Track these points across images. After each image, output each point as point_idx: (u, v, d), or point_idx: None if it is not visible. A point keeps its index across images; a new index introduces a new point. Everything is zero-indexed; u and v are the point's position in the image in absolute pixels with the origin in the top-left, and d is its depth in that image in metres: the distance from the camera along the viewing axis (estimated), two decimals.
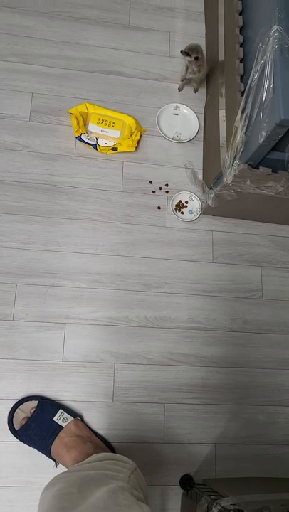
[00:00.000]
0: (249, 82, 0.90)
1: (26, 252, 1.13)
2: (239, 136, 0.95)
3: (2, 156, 1.19)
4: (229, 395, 1.13)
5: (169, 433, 1.08)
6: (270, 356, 1.17)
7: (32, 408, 1.01)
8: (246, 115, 0.93)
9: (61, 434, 0.97)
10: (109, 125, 1.24)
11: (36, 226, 1.15)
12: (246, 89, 0.92)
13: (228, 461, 1.09)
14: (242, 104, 0.94)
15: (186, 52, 1.18)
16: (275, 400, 1.14)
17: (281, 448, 1.12)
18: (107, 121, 1.24)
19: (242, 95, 0.95)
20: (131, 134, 1.23)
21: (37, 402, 1.02)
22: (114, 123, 1.24)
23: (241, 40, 1.04)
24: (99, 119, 1.24)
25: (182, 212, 1.22)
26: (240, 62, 1.03)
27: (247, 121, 0.93)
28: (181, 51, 1.18)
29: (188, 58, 1.19)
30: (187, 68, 1.24)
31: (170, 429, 1.08)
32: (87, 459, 0.82)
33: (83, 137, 1.21)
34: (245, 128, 0.94)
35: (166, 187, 1.24)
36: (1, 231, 1.13)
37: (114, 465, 0.77)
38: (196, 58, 1.18)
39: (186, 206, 1.23)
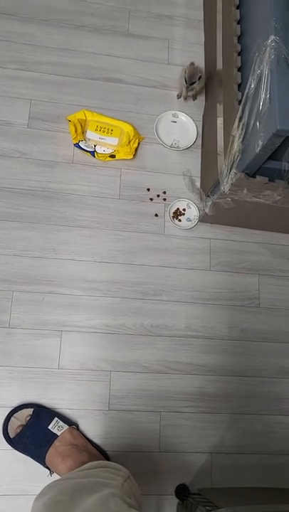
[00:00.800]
0: (246, 91, 0.91)
1: (23, 259, 1.13)
2: (236, 145, 0.95)
3: (0, 163, 1.19)
4: (226, 403, 1.12)
5: (164, 442, 1.07)
6: (267, 365, 1.16)
7: (27, 416, 1.01)
8: (243, 124, 0.93)
9: (56, 442, 0.97)
10: (107, 132, 1.24)
11: (34, 233, 1.15)
12: (243, 99, 0.92)
13: (224, 470, 1.08)
14: (239, 113, 0.94)
15: (191, 83, 1.23)
16: (273, 409, 1.14)
17: (279, 458, 1.11)
18: (105, 128, 1.24)
19: (239, 104, 0.95)
20: (129, 142, 1.23)
21: (32, 410, 1.02)
22: (112, 130, 1.24)
23: (239, 48, 1.04)
24: (97, 127, 1.24)
25: (180, 220, 1.22)
26: (238, 70, 1.03)
27: (244, 130, 0.93)
28: (185, 81, 1.22)
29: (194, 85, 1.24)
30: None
31: (166, 437, 1.07)
32: (81, 467, 0.81)
33: (81, 144, 1.22)
34: (242, 137, 0.94)
35: (163, 194, 1.24)
36: None
37: (108, 472, 0.77)
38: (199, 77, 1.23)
39: (183, 214, 1.23)
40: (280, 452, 1.11)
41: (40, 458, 0.97)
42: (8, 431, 1.00)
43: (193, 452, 1.08)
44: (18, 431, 0.99)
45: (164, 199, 1.24)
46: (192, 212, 1.23)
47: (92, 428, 1.05)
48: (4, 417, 1.01)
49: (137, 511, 0.63)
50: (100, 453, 1.01)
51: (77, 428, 1.03)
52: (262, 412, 1.13)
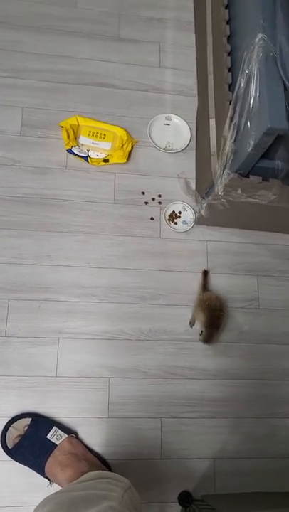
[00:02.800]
0: (236, 91, 0.90)
1: (18, 267, 1.12)
2: (228, 145, 0.94)
3: None
4: (228, 408, 1.10)
5: (166, 448, 1.05)
6: (269, 367, 1.15)
7: (25, 426, 1.00)
8: (235, 124, 0.92)
9: (55, 452, 0.95)
10: (100, 137, 1.23)
11: (28, 240, 1.14)
12: (233, 98, 0.91)
13: (228, 476, 1.06)
14: (230, 113, 0.93)
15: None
16: (275, 412, 1.12)
17: (283, 461, 1.09)
18: (97, 133, 1.23)
19: (230, 104, 0.94)
20: (122, 146, 1.22)
21: (30, 419, 1.00)
22: (105, 135, 1.23)
23: (229, 49, 1.04)
24: (90, 132, 1.23)
25: (176, 223, 1.21)
26: (229, 71, 1.02)
27: (235, 130, 0.92)
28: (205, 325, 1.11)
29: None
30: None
31: (167, 444, 1.06)
32: (80, 478, 0.80)
33: (74, 150, 1.21)
34: (234, 137, 0.93)
35: (159, 197, 1.23)
36: None
37: (107, 484, 0.75)
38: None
39: (179, 217, 1.22)
40: (284, 456, 1.09)
41: (39, 468, 0.96)
42: (7, 441, 0.99)
43: (195, 458, 1.06)
44: (17, 441, 0.98)
45: (160, 202, 1.23)
46: (188, 215, 1.22)
47: (92, 436, 1.04)
48: (2, 428, 1.00)
49: None
50: (100, 461, 1.00)
51: (77, 437, 1.02)
52: (264, 415, 1.11)
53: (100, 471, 0.85)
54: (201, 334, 1.11)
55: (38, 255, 1.13)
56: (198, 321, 1.13)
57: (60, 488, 0.90)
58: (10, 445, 0.98)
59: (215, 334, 1.10)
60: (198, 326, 1.13)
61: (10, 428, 1.00)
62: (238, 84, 0.89)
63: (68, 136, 1.20)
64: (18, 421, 1.00)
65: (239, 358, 1.14)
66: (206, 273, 1.17)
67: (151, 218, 1.21)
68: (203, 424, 1.08)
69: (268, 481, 1.07)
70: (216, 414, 1.09)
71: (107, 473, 0.85)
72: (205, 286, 1.15)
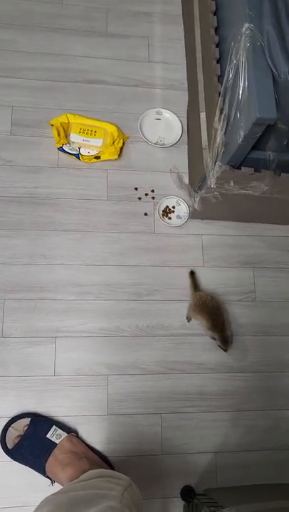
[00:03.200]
0: (224, 82, 0.89)
1: (13, 267, 1.11)
2: (219, 138, 0.93)
3: None
4: (227, 401, 1.10)
5: (167, 444, 1.05)
6: (268, 359, 1.14)
7: (25, 426, 0.99)
8: (224, 116, 0.92)
9: (55, 451, 0.95)
10: (91, 134, 1.22)
11: (22, 240, 1.14)
12: (222, 90, 0.90)
13: (230, 469, 1.06)
14: (220, 105, 0.93)
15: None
16: (275, 404, 1.12)
17: (285, 453, 1.08)
18: (88, 130, 1.23)
19: (220, 96, 0.94)
20: (113, 142, 1.21)
21: (30, 419, 1.00)
22: (96, 132, 1.23)
23: (217, 40, 1.03)
24: (80, 129, 1.23)
25: (170, 218, 1.21)
26: (217, 62, 1.01)
27: (226, 121, 0.92)
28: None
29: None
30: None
31: (168, 439, 1.05)
32: (79, 478, 0.79)
33: (65, 148, 1.20)
34: (224, 129, 0.93)
35: (152, 193, 1.22)
36: None
37: (107, 482, 0.75)
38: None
39: (173, 211, 1.21)
40: (285, 448, 1.09)
41: (40, 468, 0.95)
42: (6, 442, 0.98)
43: (196, 453, 1.06)
44: (16, 441, 0.98)
45: (153, 197, 1.22)
46: (182, 209, 1.22)
47: (92, 434, 1.03)
48: (1, 428, 0.99)
49: None
50: (101, 459, 1.00)
51: (77, 435, 1.02)
52: (265, 407, 1.11)
53: (101, 470, 0.84)
54: (216, 341, 1.10)
55: (33, 254, 1.13)
56: (202, 327, 1.11)
57: (62, 487, 0.90)
58: (10, 445, 0.98)
59: (227, 332, 1.09)
60: (202, 330, 1.13)
61: (9, 428, 0.99)
62: (226, 76, 0.88)
63: (59, 134, 1.19)
64: (17, 421, 1.00)
65: (238, 350, 1.14)
66: (192, 274, 1.16)
67: (145, 214, 1.20)
68: (203, 419, 1.08)
69: (270, 473, 1.07)
70: (216, 407, 1.09)
71: (106, 471, 0.84)
72: (195, 286, 1.14)
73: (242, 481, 1.05)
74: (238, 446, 1.07)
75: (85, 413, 1.04)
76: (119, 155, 1.23)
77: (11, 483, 0.98)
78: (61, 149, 1.20)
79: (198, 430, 1.07)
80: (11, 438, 0.99)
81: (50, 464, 0.94)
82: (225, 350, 1.10)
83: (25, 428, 0.99)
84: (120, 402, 1.06)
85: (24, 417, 1.01)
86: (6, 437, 0.99)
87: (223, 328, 1.09)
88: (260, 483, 1.05)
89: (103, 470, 0.85)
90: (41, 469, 0.95)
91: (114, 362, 1.09)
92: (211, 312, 1.09)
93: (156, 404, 1.07)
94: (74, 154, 1.20)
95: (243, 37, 0.82)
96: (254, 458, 1.07)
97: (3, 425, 1.00)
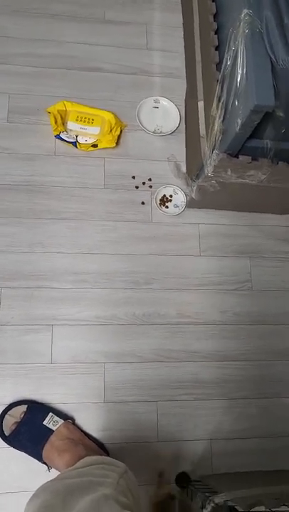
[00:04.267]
0: (223, 69, 0.88)
1: (10, 255, 1.11)
2: (217, 125, 0.93)
3: None
4: (222, 389, 1.11)
5: (162, 431, 1.06)
6: (262, 348, 1.15)
7: (21, 413, 1.00)
8: (222, 103, 0.91)
9: (52, 437, 0.96)
10: (88, 122, 1.22)
11: (19, 228, 1.13)
12: (220, 77, 0.90)
13: (225, 456, 1.07)
14: (218, 92, 0.92)
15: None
16: (268, 392, 1.12)
17: (279, 440, 1.10)
18: (86, 118, 1.22)
19: (218, 83, 0.93)
20: (111, 130, 1.21)
21: (26, 406, 1.00)
22: (93, 120, 1.22)
23: (215, 27, 1.02)
24: (78, 117, 1.22)
25: (167, 207, 1.20)
26: (216, 49, 1.00)
27: (223, 109, 0.91)
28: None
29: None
30: None
31: (164, 427, 1.06)
32: (75, 465, 0.80)
33: (62, 135, 1.19)
34: (222, 117, 0.92)
35: (149, 181, 1.22)
36: None
37: (102, 469, 0.76)
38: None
39: (170, 200, 1.21)
40: (279, 434, 1.10)
41: (37, 454, 0.96)
42: (3, 429, 0.99)
43: (191, 440, 1.07)
44: (13, 428, 0.98)
45: (150, 186, 1.22)
46: (179, 198, 1.21)
47: (89, 421, 1.04)
48: None
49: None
50: (97, 446, 1.00)
51: (73, 422, 1.02)
52: (258, 395, 1.12)
53: (97, 456, 0.85)
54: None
55: (30, 243, 1.13)
56: None
57: (58, 473, 0.91)
58: (7, 432, 0.99)
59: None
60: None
61: (6, 416, 1.00)
62: (224, 63, 0.88)
63: (56, 122, 1.19)
64: (14, 408, 1.01)
65: (231, 339, 1.14)
66: (161, 474, 1.02)
67: (142, 203, 1.20)
68: (198, 406, 1.09)
69: (264, 460, 1.08)
70: (210, 395, 1.10)
71: (102, 458, 0.85)
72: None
73: (236, 468, 1.06)
74: (232, 433, 1.09)
75: (81, 400, 1.05)
76: (117, 143, 1.22)
77: (9, 469, 0.99)
78: (58, 137, 1.20)
79: (193, 418, 1.08)
80: (8, 425, 0.99)
81: (47, 451, 0.95)
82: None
83: (22, 415, 0.99)
84: (116, 389, 1.07)
85: (21, 404, 1.01)
86: (3, 424, 0.99)
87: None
88: (254, 469, 1.07)
89: (99, 457, 0.86)
90: (38, 455, 0.96)
91: (111, 350, 1.09)
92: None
93: (152, 392, 1.08)
94: (71, 142, 1.20)
95: (242, 23, 0.82)
96: (248, 445, 1.08)
97: (0, 412, 1.00)
